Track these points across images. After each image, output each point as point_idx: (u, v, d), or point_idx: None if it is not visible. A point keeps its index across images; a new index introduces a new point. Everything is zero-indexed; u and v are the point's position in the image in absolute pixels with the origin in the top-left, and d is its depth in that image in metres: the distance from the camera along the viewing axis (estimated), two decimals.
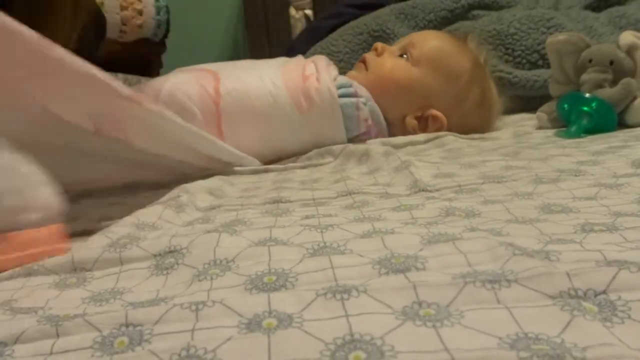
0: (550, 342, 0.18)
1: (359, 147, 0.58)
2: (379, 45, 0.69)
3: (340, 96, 0.61)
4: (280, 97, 0.60)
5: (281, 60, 0.68)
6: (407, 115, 0.67)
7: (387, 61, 0.68)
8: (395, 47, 0.70)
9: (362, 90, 0.64)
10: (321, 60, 0.66)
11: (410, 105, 0.66)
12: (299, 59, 0.68)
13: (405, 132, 0.66)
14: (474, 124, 0.68)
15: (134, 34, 1.11)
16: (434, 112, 0.66)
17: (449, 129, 0.66)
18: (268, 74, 0.61)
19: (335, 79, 0.62)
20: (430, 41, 0.70)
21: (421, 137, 0.64)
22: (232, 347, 0.19)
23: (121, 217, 0.39)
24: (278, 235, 0.30)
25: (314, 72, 0.62)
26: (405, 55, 0.68)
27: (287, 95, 0.60)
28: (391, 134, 0.66)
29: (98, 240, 0.32)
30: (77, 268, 0.29)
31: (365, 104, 0.63)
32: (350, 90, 0.62)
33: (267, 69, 0.63)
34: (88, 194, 0.51)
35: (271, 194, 0.45)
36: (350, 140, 0.63)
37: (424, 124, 0.67)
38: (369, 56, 0.70)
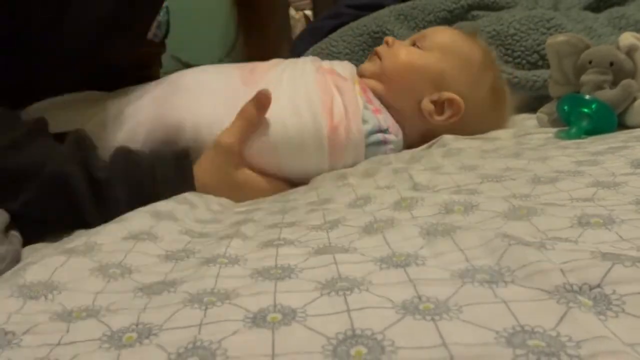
0: (546, 336, 0.19)
1: None
2: (389, 38, 0.69)
3: (369, 144, 0.58)
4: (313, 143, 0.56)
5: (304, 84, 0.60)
6: (422, 99, 0.64)
7: (400, 50, 0.67)
8: (406, 41, 0.69)
9: (391, 131, 0.60)
10: (347, 94, 0.58)
11: (426, 88, 0.64)
12: (324, 84, 0.59)
13: (420, 131, 0.64)
14: (489, 115, 0.67)
15: None
16: (451, 95, 0.64)
17: (465, 118, 0.64)
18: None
19: (364, 120, 0.58)
20: (440, 32, 0.71)
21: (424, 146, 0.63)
22: (238, 340, 0.19)
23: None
24: (286, 236, 0.31)
25: (343, 117, 0.56)
26: (416, 45, 0.67)
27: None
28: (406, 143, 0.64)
29: (116, 229, 0.33)
30: (90, 242, 0.30)
31: (394, 149, 0.60)
32: (379, 137, 0.59)
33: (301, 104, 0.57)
34: None
35: (278, 198, 0.46)
36: None
37: (440, 108, 0.64)
38: (382, 48, 0.68)
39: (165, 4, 1.20)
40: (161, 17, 1.19)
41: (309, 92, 0.56)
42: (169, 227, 0.35)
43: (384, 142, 0.59)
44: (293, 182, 0.57)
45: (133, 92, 0.59)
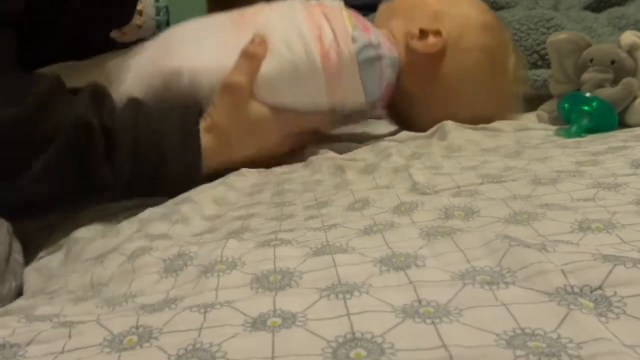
0: (547, 338, 0.19)
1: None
2: None
3: (363, 62, 0.56)
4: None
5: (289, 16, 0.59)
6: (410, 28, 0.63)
7: None
8: None
9: (384, 46, 0.60)
10: (335, 17, 0.58)
11: (420, 19, 0.64)
12: (312, 15, 0.58)
13: (404, 59, 0.63)
14: (482, 80, 0.64)
15: (134, 34, 1.12)
16: (439, 28, 0.62)
17: (448, 71, 0.62)
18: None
19: (353, 39, 0.56)
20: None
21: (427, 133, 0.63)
22: (238, 343, 0.19)
23: (129, 229, 0.40)
24: (283, 237, 0.31)
25: (332, 41, 0.56)
26: None
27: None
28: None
29: (113, 259, 0.33)
30: (95, 284, 0.30)
31: (389, 65, 0.59)
32: (371, 53, 0.57)
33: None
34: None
35: (274, 199, 0.45)
36: (371, 104, 0.60)
37: (424, 36, 0.63)
38: None
39: (165, 4, 1.20)
40: (161, 17, 1.20)
41: (298, 25, 0.57)
42: (163, 243, 0.35)
43: (378, 58, 0.59)
44: (300, 116, 0.57)
45: (130, 50, 0.61)
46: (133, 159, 0.46)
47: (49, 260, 0.40)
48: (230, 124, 0.52)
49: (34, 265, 0.40)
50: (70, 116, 0.45)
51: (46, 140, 0.44)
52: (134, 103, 0.50)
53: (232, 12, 0.61)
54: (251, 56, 0.54)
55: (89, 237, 0.42)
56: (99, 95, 0.49)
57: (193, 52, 0.56)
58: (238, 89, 0.53)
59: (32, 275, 0.37)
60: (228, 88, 0.53)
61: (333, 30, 0.57)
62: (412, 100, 0.65)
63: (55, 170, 0.44)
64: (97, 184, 0.46)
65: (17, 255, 0.40)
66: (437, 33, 0.63)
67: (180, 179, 0.49)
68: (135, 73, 0.56)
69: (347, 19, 0.59)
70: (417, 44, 0.62)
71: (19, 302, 0.31)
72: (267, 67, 0.55)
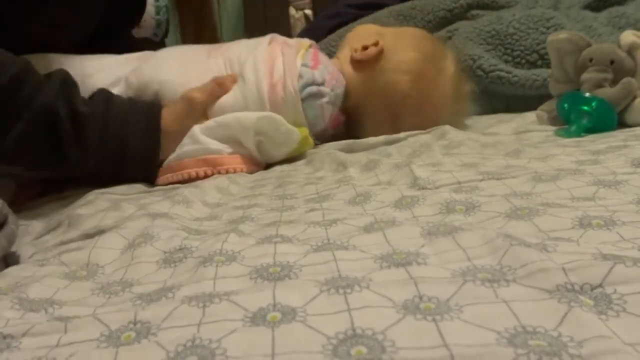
0: (547, 336, 0.18)
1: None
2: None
3: (305, 98, 0.65)
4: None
5: (248, 50, 0.67)
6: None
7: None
8: None
9: (327, 85, 0.66)
10: (288, 56, 0.66)
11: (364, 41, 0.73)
12: (271, 52, 0.67)
13: (355, 81, 0.71)
14: (418, 92, 0.71)
15: (134, 33, 1.12)
16: (378, 40, 0.71)
17: (386, 79, 0.70)
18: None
19: (300, 76, 0.65)
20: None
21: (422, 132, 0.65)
22: (237, 338, 0.19)
23: (130, 209, 0.40)
24: (284, 233, 0.31)
25: (281, 76, 0.64)
26: None
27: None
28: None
29: (114, 240, 0.33)
30: (91, 264, 0.30)
31: (329, 102, 0.66)
32: (313, 90, 0.65)
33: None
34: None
35: (276, 192, 0.46)
36: (316, 135, 0.67)
37: (365, 48, 0.72)
38: None
39: (164, 4, 1.20)
40: (161, 16, 1.19)
41: (256, 59, 0.65)
42: (164, 224, 0.36)
43: (319, 95, 0.66)
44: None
45: (108, 57, 0.68)
46: (101, 140, 0.53)
47: (47, 238, 0.40)
48: (174, 125, 0.59)
49: (33, 242, 0.40)
50: (38, 100, 0.50)
51: (15, 118, 0.49)
52: (105, 92, 0.57)
53: (212, 44, 0.71)
54: (219, 84, 0.63)
55: (89, 213, 0.43)
56: (68, 83, 0.54)
57: (166, 68, 0.65)
58: (194, 101, 0.61)
59: (26, 248, 0.37)
60: (186, 98, 0.61)
61: (284, 66, 0.65)
62: (360, 115, 0.72)
63: (24, 144, 0.50)
64: (67, 161, 0.52)
65: (13, 226, 0.39)
66: (375, 44, 0.72)
67: (141, 160, 0.56)
68: (109, 73, 0.63)
69: (302, 56, 0.68)
70: (356, 54, 0.72)
71: (9, 270, 0.31)
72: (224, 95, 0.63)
